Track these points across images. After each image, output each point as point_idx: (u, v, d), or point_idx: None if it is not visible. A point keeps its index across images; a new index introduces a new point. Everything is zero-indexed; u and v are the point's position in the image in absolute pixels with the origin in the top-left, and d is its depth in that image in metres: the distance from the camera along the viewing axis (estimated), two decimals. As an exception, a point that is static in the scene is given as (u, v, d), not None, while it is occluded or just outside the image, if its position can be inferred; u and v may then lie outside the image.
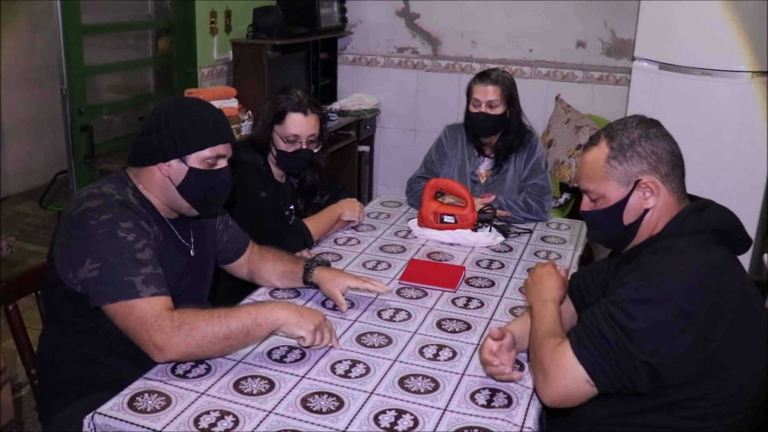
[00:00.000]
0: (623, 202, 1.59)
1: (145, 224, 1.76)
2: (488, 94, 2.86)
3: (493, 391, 1.63)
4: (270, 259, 2.18)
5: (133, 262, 1.66)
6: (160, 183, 1.82)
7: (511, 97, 2.90)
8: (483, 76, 2.91)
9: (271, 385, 1.63)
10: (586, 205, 1.68)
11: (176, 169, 1.80)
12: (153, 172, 1.82)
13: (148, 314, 1.62)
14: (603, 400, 1.54)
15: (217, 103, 3.89)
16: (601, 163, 1.59)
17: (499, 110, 2.88)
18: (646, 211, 1.59)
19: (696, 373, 1.43)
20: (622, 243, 1.66)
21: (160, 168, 1.80)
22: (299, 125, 2.48)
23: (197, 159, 1.79)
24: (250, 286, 2.21)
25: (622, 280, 1.53)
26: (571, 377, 1.47)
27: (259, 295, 2.13)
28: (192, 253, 1.95)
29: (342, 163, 5.02)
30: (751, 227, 3.74)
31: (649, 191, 1.58)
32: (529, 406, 1.58)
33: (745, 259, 3.76)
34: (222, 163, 1.84)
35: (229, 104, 3.99)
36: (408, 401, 1.58)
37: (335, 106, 5.07)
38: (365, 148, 5.30)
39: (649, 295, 1.44)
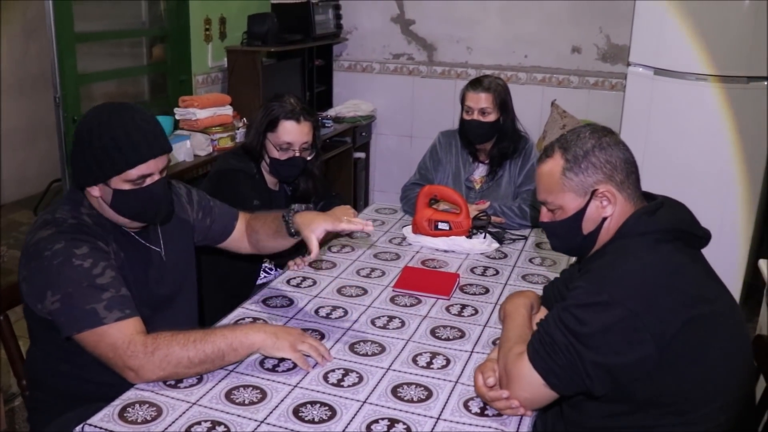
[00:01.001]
0: (581, 212, 1.62)
1: (102, 244, 1.72)
2: (480, 102, 2.86)
3: (487, 400, 1.62)
4: (259, 227, 2.12)
5: (92, 289, 1.63)
6: (96, 202, 1.77)
7: (504, 103, 2.90)
8: (475, 83, 2.90)
9: (263, 394, 1.62)
10: (545, 216, 1.71)
11: (101, 192, 1.74)
12: (88, 191, 1.76)
13: (119, 341, 1.60)
14: (586, 407, 1.55)
15: (211, 111, 3.89)
16: (557, 176, 1.62)
17: (491, 117, 2.87)
18: (605, 219, 1.61)
19: (654, 369, 1.44)
20: (583, 252, 1.69)
21: (89, 192, 1.75)
22: (292, 133, 2.47)
23: (120, 181, 1.71)
24: (240, 297, 2.19)
25: (574, 284, 1.56)
26: (528, 383, 1.51)
27: (253, 302, 2.12)
28: (163, 257, 1.91)
29: (338, 170, 5.01)
30: (747, 232, 3.74)
31: (606, 200, 1.60)
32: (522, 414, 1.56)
33: (740, 264, 3.76)
34: (152, 180, 1.75)
35: (223, 111, 3.99)
36: (401, 410, 1.57)
37: (331, 112, 5.07)
38: (361, 155, 5.29)
39: (597, 299, 1.45)
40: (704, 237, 1.60)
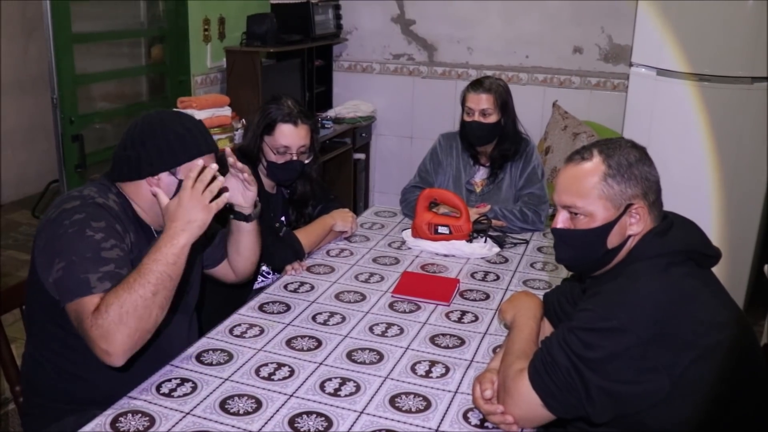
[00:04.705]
0: (611, 224, 1.53)
1: (119, 228, 1.72)
2: (481, 103, 2.82)
3: (487, 410, 1.58)
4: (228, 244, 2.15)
5: (95, 260, 1.60)
6: (150, 197, 1.79)
7: (505, 104, 2.86)
8: (476, 85, 2.87)
9: (259, 404, 1.58)
10: (562, 222, 1.60)
11: (166, 182, 1.78)
12: (141, 186, 1.80)
13: (86, 312, 1.54)
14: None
15: (210, 112, 3.85)
16: (596, 180, 1.53)
17: (492, 119, 2.84)
18: (629, 237, 1.54)
19: (665, 400, 1.38)
20: (596, 267, 1.61)
21: (149, 182, 1.78)
22: (289, 136, 2.43)
23: (186, 171, 1.76)
24: (237, 301, 2.17)
25: (582, 306, 1.50)
26: (526, 403, 1.46)
27: (249, 308, 2.09)
28: None
29: (337, 171, 4.98)
30: (751, 236, 3.71)
31: (636, 217, 1.53)
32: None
33: (745, 268, 3.72)
34: None
35: (222, 112, 3.95)
36: (399, 421, 1.54)
37: (330, 113, 5.04)
38: (361, 156, 5.26)
39: (606, 324, 1.40)
40: (715, 256, 1.54)
